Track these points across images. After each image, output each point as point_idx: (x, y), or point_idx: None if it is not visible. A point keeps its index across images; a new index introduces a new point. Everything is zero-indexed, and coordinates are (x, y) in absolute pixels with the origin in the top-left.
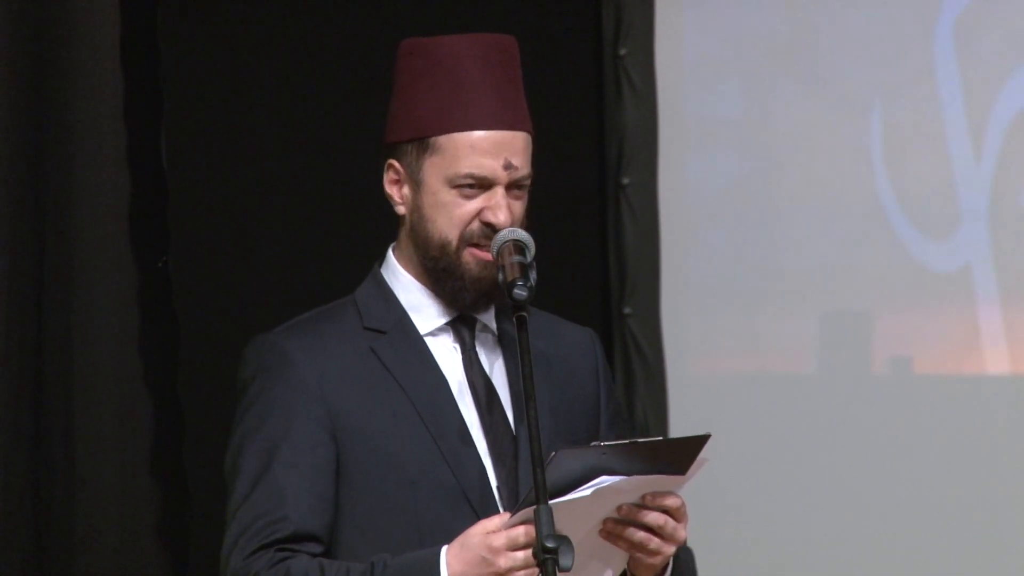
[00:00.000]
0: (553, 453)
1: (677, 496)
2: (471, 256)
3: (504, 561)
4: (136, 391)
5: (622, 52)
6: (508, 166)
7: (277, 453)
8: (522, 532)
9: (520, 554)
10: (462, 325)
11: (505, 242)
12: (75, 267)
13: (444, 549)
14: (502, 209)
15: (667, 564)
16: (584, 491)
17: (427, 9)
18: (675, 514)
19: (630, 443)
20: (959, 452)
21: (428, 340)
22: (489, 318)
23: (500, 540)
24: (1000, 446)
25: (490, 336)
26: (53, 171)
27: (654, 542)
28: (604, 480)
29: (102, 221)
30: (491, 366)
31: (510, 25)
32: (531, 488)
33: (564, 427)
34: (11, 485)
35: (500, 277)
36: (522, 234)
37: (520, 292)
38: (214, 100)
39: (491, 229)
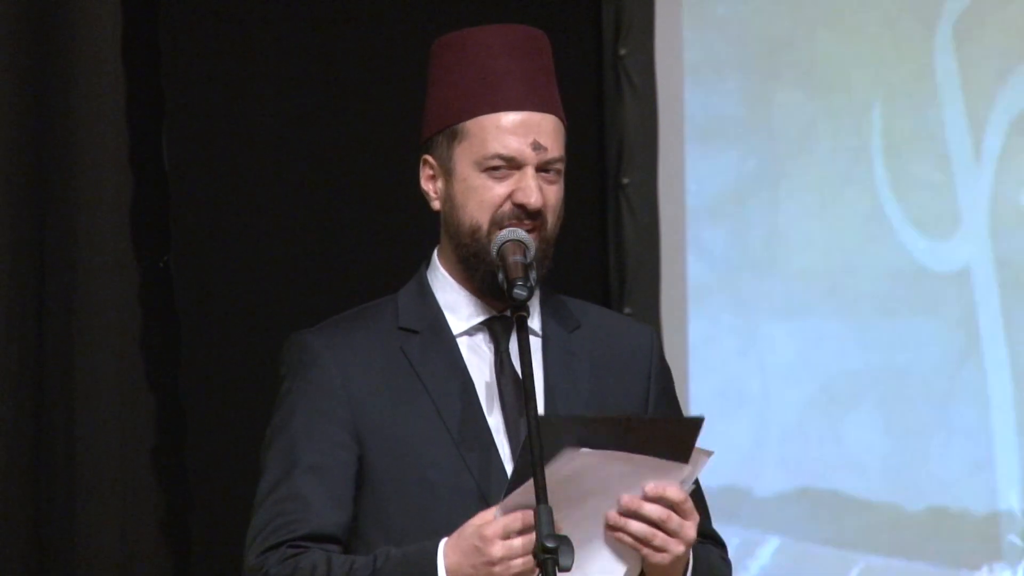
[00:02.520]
0: (531, 424)
1: (681, 491)
2: None
3: (497, 550)
4: (138, 391)
5: (622, 52)
6: (537, 146)
7: (298, 454)
8: (516, 519)
9: (515, 541)
10: (498, 325)
11: (506, 242)
12: (77, 267)
13: (443, 540)
14: (533, 190)
15: (687, 565)
16: (560, 462)
17: (428, 10)
18: (679, 510)
19: (618, 417)
20: (959, 451)
21: (462, 340)
22: (531, 319)
23: (492, 529)
24: (998, 447)
25: (529, 337)
26: (55, 171)
27: (659, 538)
28: (584, 452)
29: (104, 221)
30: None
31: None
32: (513, 474)
33: None
34: (12, 484)
35: (500, 277)
36: (522, 234)
37: (520, 292)
38: (215, 100)
39: (523, 211)
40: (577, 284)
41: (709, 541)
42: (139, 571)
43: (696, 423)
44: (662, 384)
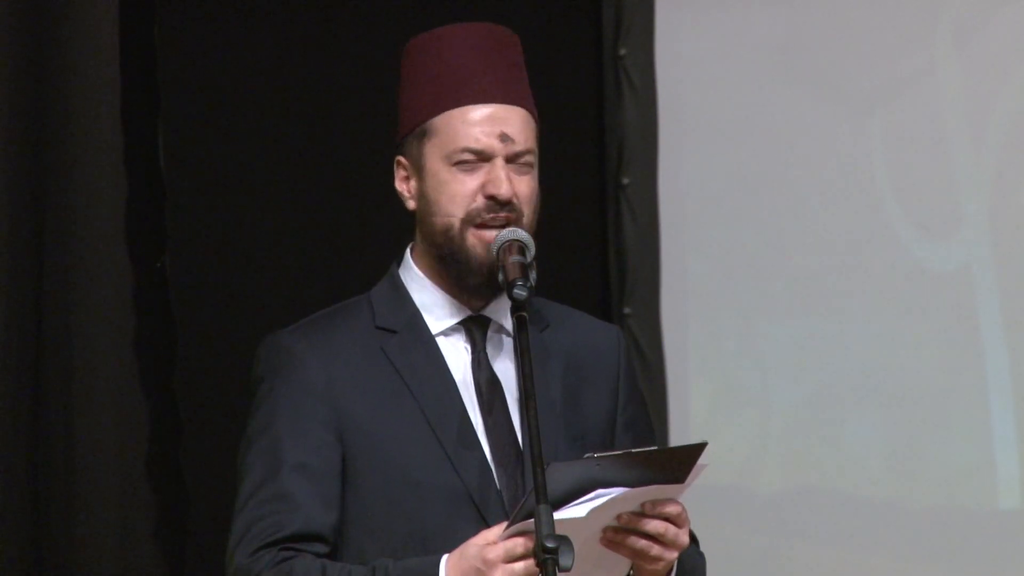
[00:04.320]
0: (545, 467)
1: (677, 503)
2: (475, 238)
3: (499, 573)
4: (134, 392)
5: (622, 52)
6: (504, 138)
7: (283, 454)
8: (518, 543)
9: (518, 565)
10: (474, 325)
11: (505, 242)
12: (73, 268)
13: (445, 557)
14: (502, 180)
15: (671, 568)
16: (578, 510)
17: (427, 10)
18: (676, 520)
19: (624, 453)
20: (959, 451)
21: (440, 340)
22: (504, 318)
23: (495, 552)
24: (998, 447)
25: (504, 337)
26: (51, 172)
27: (655, 549)
28: (600, 495)
29: (100, 222)
30: (502, 367)
31: (510, 25)
32: (526, 497)
33: (573, 428)
34: (9, 485)
35: (500, 277)
36: (522, 234)
37: (520, 292)
38: (211, 101)
39: (495, 202)
40: (577, 284)
41: None
42: (135, 572)
43: (698, 449)
44: (631, 383)
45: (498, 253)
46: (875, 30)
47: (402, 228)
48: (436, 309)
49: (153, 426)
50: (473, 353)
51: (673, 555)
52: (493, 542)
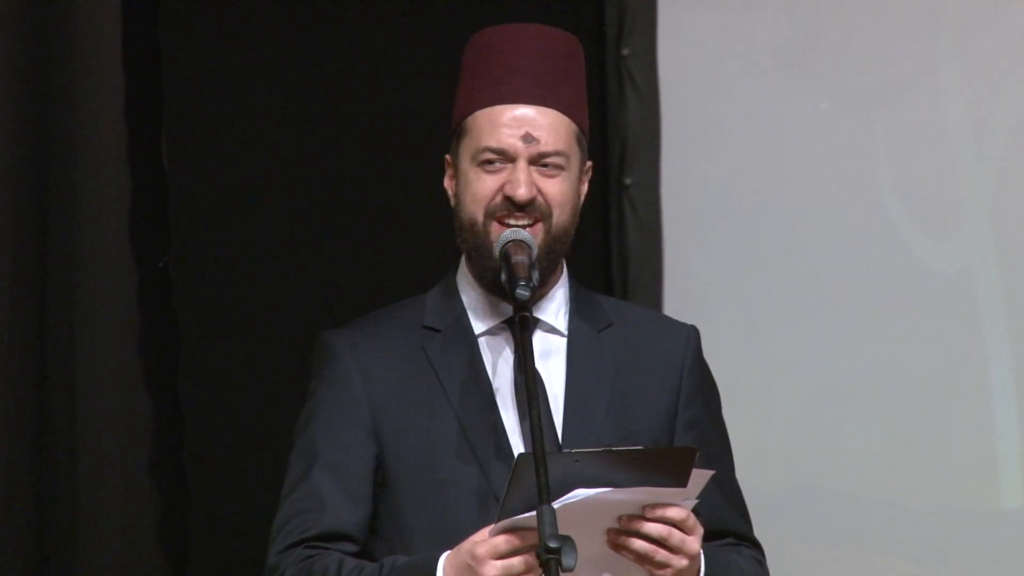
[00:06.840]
0: (515, 458)
1: (681, 508)
2: (498, 231)
3: (488, 570)
4: (136, 391)
5: (625, 52)
6: (528, 138)
7: (317, 452)
8: (505, 540)
9: (514, 560)
10: (520, 325)
11: (508, 242)
12: (76, 267)
13: (445, 554)
14: (520, 182)
15: (698, 573)
16: (560, 501)
17: (429, 11)
18: (682, 526)
19: (604, 451)
20: (960, 451)
21: (484, 339)
22: (553, 317)
23: (483, 549)
24: (1000, 447)
25: (554, 336)
26: (55, 171)
27: (660, 554)
28: (577, 495)
29: (103, 221)
30: (549, 366)
31: None
32: (505, 493)
33: (622, 428)
34: (12, 484)
35: (503, 276)
36: (524, 234)
37: (522, 292)
38: (214, 101)
39: (512, 204)
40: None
41: (746, 544)
42: (138, 571)
43: (689, 453)
44: (695, 383)
45: (501, 253)
46: (877, 30)
47: (406, 229)
48: (480, 309)
49: (156, 425)
50: (516, 353)
51: (682, 562)
52: (484, 539)
